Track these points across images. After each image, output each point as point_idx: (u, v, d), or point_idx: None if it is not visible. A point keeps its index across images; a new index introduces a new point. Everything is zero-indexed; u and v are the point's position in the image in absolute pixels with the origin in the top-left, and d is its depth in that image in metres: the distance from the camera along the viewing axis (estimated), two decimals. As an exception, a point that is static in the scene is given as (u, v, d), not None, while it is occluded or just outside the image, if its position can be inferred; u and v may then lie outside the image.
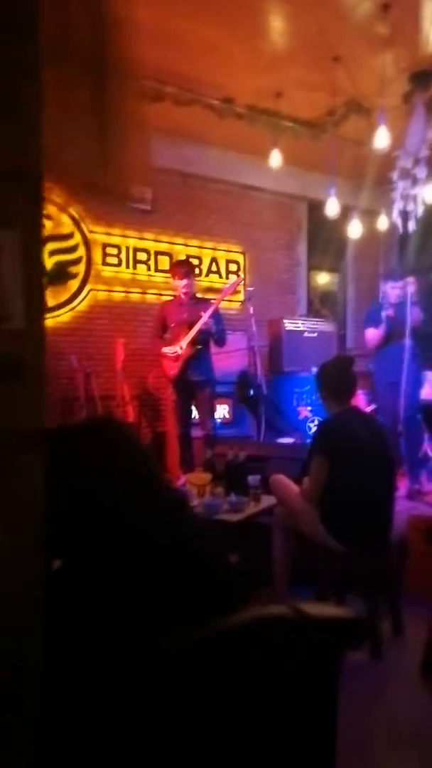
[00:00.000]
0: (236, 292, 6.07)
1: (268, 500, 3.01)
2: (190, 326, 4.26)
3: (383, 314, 4.29)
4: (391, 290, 4.33)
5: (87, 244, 5.33)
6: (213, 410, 4.55)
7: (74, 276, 5.16)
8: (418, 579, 2.94)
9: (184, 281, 4.35)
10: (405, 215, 4.37)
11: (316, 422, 5.28)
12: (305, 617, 0.97)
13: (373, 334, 4.43)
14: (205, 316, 4.20)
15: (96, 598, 0.99)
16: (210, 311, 4.26)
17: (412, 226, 4.41)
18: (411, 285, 4.16)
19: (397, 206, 4.35)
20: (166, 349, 4.33)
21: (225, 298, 4.95)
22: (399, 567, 2.81)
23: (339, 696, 1.06)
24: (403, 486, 4.05)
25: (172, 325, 4.39)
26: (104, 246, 5.44)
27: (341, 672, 1.06)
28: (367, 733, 2.02)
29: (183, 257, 5.80)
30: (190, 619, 0.99)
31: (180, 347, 4.27)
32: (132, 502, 1.05)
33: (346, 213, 5.05)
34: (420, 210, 4.34)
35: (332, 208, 4.64)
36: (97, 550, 1.03)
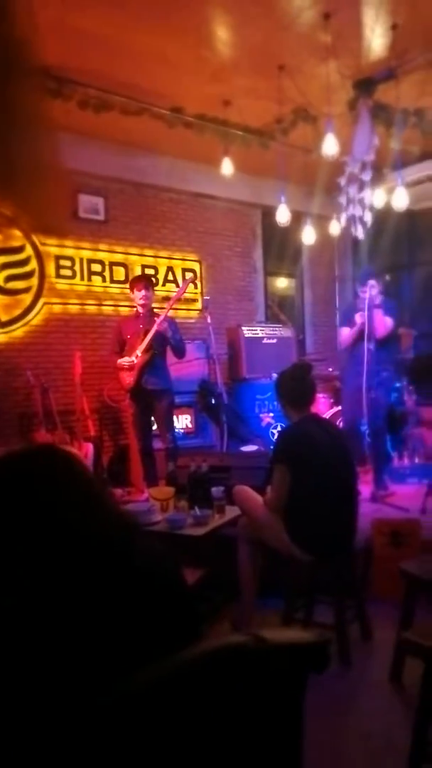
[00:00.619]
0: (193, 300, 6.06)
1: (232, 511, 2.99)
2: (146, 335, 4.22)
3: (357, 315, 4.27)
4: (362, 294, 4.33)
5: (39, 256, 5.22)
6: (172, 422, 4.50)
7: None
8: (382, 582, 2.97)
9: (143, 292, 4.33)
10: (354, 220, 4.41)
11: (278, 428, 5.30)
12: (266, 645, 0.94)
13: (346, 334, 4.42)
14: (161, 318, 4.18)
15: (46, 636, 0.94)
16: (165, 312, 4.26)
17: (360, 231, 4.45)
18: (373, 288, 4.18)
19: (346, 211, 4.39)
20: (122, 360, 4.28)
21: (181, 297, 4.90)
22: (364, 571, 2.83)
23: (307, 709, 1.04)
24: (366, 488, 4.08)
25: (128, 336, 4.34)
26: (57, 258, 5.34)
27: (305, 693, 1.04)
28: (339, 745, 2.00)
29: (138, 268, 5.76)
30: (152, 651, 0.95)
31: (136, 356, 4.23)
32: (78, 531, 1.00)
33: (299, 219, 5.09)
34: (368, 215, 4.38)
35: (283, 214, 4.67)
36: (44, 584, 0.98)
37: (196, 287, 6.18)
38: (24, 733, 0.87)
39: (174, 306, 4.68)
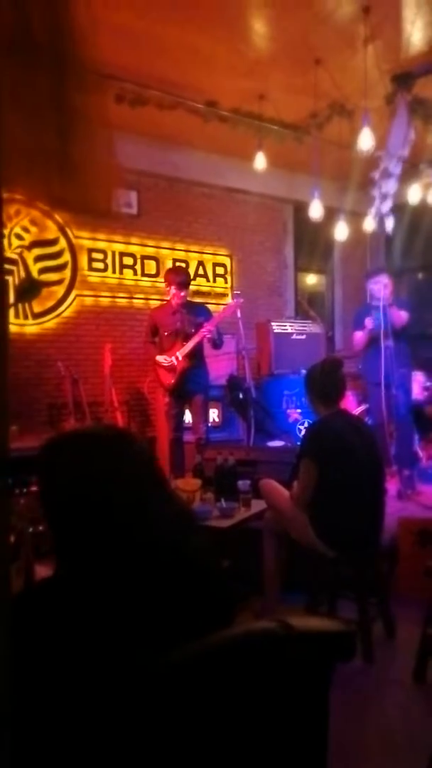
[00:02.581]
0: (223, 294, 6.07)
1: (258, 505, 2.99)
2: (185, 337, 4.24)
3: (366, 321, 4.30)
4: (374, 285, 4.33)
5: (72, 249, 5.30)
6: (208, 414, 4.55)
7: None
8: (408, 581, 2.94)
9: (183, 293, 4.29)
10: (380, 216, 4.39)
11: (305, 425, 5.28)
12: (293, 632, 0.95)
13: (359, 338, 4.45)
14: (206, 328, 4.18)
15: (98, 608, 0.97)
16: (213, 324, 4.22)
17: (389, 225, 4.42)
18: (386, 287, 4.21)
19: (376, 206, 4.36)
20: (160, 359, 4.31)
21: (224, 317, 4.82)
22: (389, 569, 2.81)
23: (330, 706, 1.05)
24: (392, 486, 4.05)
25: (166, 333, 4.35)
26: (90, 251, 5.41)
27: (331, 684, 1.04)
28: (361, 742, 2.00)
29: (169, 262, 5.78)
30: (189, 633, 0.97)
31: (176, 357, 4.25)
32: (144, 512, 1.04)
33: (332, 214, 5.05)
34: (388, 206, 4.34)
35: (316, 210, 4.64)
36: (107, 558, 1.01)
37: (226, 282, 6.19)
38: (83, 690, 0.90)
39: (208, 302, 4.67)
